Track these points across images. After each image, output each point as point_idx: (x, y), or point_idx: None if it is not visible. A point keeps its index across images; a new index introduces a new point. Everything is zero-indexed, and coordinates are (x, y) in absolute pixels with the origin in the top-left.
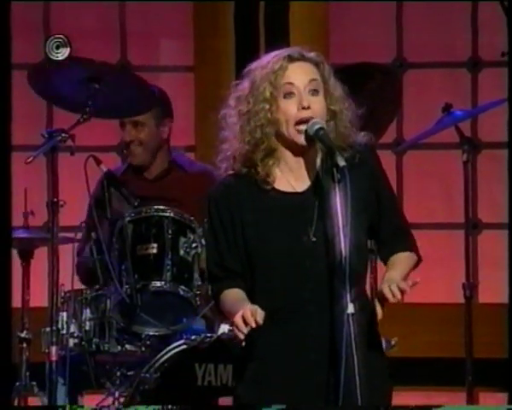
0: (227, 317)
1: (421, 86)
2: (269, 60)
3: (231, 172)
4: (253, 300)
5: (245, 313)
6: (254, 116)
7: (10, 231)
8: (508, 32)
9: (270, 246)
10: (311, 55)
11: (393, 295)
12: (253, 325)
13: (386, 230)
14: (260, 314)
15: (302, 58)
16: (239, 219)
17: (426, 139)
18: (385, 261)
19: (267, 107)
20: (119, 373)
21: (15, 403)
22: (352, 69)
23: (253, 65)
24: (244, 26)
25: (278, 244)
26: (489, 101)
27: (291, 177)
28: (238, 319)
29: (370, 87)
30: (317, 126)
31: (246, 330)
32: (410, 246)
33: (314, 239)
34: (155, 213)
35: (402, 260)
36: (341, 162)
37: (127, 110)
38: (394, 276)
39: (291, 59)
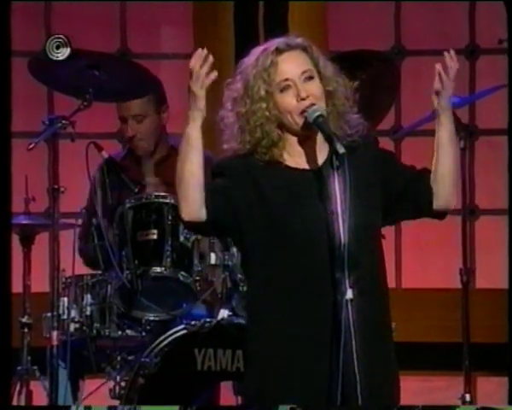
0: (181, 156)
1: (418, 73)
2: (258, 56)
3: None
4: (270, 277)
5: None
6: (252, 116)
7: (10, 216)
8: (507, 21)
9: (292, 219)
10: (298, 41)
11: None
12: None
13: (414, 183)
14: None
15: (289, 47)
16: (255, 195)
17: (423, 126)
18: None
19: (264, 105)
20: (119, 358)
21: (17, 387)
22: (350, 56)
23: (244, 62)
24: (243, 15)
25: (300, 216)
26: (486, 88)
27: (301, 159)
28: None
29: (369, 74)
30: (316, 114)
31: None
32: None
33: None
34: (155, 200)
35: None
36: (341, 149)
37: (127, 94)
38: None
39: (279, 51)
